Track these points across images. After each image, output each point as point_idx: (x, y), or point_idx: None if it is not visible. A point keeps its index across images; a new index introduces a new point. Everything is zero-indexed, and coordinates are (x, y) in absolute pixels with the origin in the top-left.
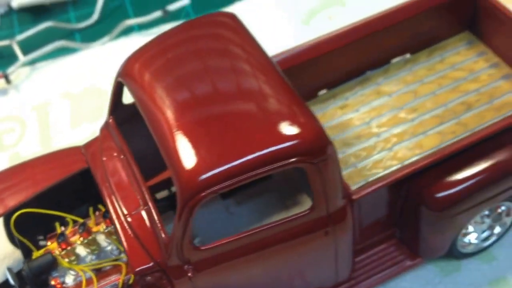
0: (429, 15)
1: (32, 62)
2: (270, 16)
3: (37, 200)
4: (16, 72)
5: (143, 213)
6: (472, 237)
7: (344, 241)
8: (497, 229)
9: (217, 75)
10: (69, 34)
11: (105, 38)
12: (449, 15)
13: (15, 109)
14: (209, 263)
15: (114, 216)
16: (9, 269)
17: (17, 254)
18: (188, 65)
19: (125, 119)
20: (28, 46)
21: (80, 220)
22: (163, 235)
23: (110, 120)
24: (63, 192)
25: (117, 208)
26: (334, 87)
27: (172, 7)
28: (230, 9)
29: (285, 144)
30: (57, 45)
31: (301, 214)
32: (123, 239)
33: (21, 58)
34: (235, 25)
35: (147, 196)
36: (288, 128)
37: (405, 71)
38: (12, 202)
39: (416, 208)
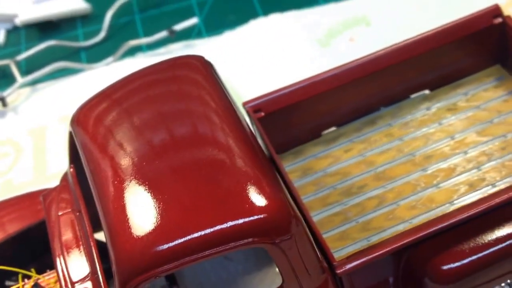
0: (454, 46)
1: (33, 83)
2: (286, 36)
3: (5, 245)
4: (16, 93)
5: (90, 284)
6: None
7: None
8: None
9: (173, 130)
10: (74, 53)
11: (110, 58)
12: (477, 47)
13: (11, 133)
14: None
15: (62, 283)
16: None
17: None
18: (143, 118)
19: None
20: (31, 66)
21: (38, 277)
22: None
23: (71, 170)
24: (33, 237)
25: (65, 273)
26: (342, 125)
27: (179, 26)
28: (244, 28)
29: (238, 221)
30: (58, 66)
31: None
32: None
33: (19, 79)
34: (202, 70)
35: (97, 263)
36: (243, 200)
37: (422, 110)
38: None
39: (419, 279)
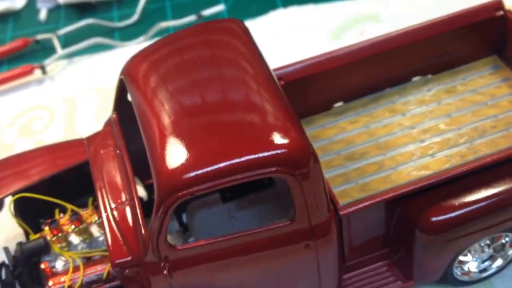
0: (457, 35)
1: (70, 56)
2: (302, 27)
3: (41, 187)
4: (54, 64)
5: (128, 208)
6: (471, 265)
7: (327, 256)
8: (499, 261)
9: (213, 83)
10: (109, 32)
11: (141, 38)
12: (477, 37)
13: (47, 99)
14: (185, 263)
15: (102, 208)
16: (6, 249)
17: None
18: (186, 70)
19: (131, 117)
20: (69, 41)
21: (77, 210)
22: (142, 231)
23: (114, 116)
24: (68, 181)
25: (105, 201)
26: (350, 100)
27: (207, 12)
28: (264, 18)
29: (263, 153)
30: (94, 41)
31: (281, 225)
32: (106, 230)
33: (59, 51)
34: (240, 32)
35: (134, 192)
36: (269, 138)
37: (423, 91)
38: (15, 187)
39: (410, 230)
